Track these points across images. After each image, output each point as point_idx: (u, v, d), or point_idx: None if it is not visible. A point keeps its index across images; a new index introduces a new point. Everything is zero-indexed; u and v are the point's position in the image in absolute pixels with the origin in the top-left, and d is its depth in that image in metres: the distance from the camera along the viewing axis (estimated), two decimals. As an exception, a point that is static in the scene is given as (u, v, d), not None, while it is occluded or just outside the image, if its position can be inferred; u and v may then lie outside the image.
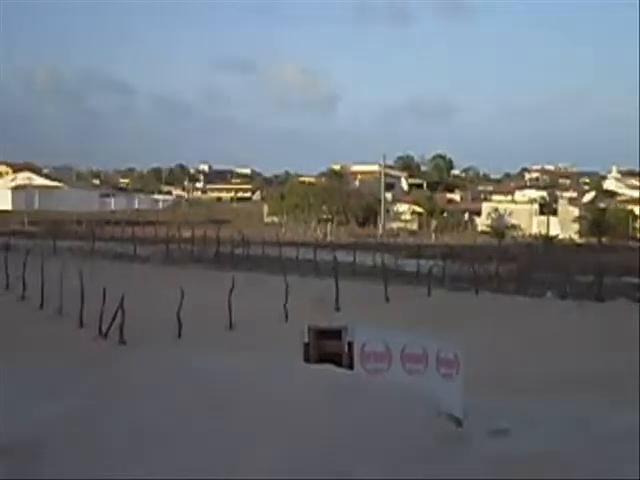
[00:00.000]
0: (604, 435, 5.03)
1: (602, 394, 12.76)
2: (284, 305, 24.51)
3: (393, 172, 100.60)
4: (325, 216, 75.26)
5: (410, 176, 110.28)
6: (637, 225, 67.50)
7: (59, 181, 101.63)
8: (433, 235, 66.00)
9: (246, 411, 4.27)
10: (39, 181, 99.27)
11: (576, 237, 65.81)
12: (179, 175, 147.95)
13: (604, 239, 62.42)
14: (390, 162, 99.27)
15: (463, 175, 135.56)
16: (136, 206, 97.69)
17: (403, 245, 54.10)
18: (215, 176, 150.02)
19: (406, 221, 77.26)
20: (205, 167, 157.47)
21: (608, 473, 4.06)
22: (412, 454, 3.97)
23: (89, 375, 5.29)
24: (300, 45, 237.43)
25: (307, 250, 42.34)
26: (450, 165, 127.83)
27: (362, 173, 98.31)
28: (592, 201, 78.82)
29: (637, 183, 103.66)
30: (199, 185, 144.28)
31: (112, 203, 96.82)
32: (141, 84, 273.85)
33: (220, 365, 4.51)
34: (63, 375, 6.34)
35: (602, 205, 71.97)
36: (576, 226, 67.73)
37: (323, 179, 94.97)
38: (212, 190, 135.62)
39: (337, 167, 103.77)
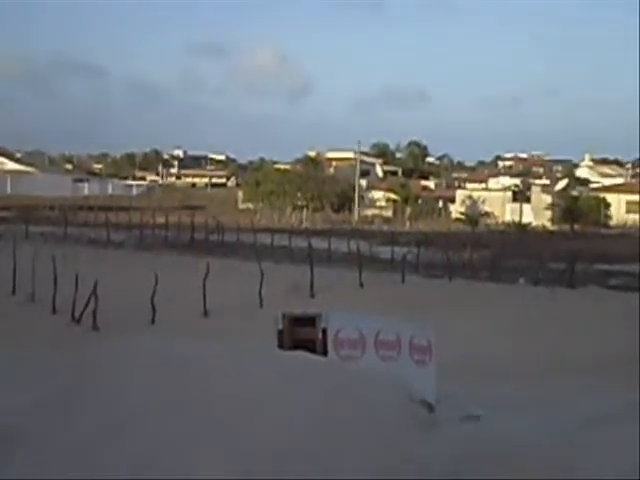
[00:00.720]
0: (574, 421, 5.10)
1: (574, 379, 12.92)
2: (259, 291, 24.51)
3: (368, 159, 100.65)
4: (300, 203, 75.17)
5: (385, 163, 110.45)
6: (609, 212, 68.10)
7: (31, 166, 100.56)
8: (407, 222, 66.18)
9: (219, 396, 4.29)
10: (11, 166, 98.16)
11: (549, 224, 66.28)
12: (153, 161, 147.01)
13: (576, 226, 62.94)
14: (365, 149, 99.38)
15: (438, 162, 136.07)
16: (110, 191, 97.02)
17: (378, 232, 54.22)
18: (189, 162, 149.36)
19: (381, 208, 77.38)
20: (179, 153, 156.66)
21: (576, 459, 4.13)
22: (383, 439, 4.01)
23: (61, 361, 5.28)
24: (275, 31, 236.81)
25: (282, 237, 42.32)
26: (425, 152, 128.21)
27: (337, 160, 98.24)
28: (565, 189, 79.35)
29: (609, 171, 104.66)
30: (173, 171, 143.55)
31: (85, 188, 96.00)
32: (115, 69, 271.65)
33: (193, 351, 4.53)
34: (35, 361, 6.32)
35: (574, 193, 72.47)
36: (549, 213, 68.21)
37: (298, 166, 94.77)
38: (186, 176, 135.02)
39: (312, 154, 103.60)
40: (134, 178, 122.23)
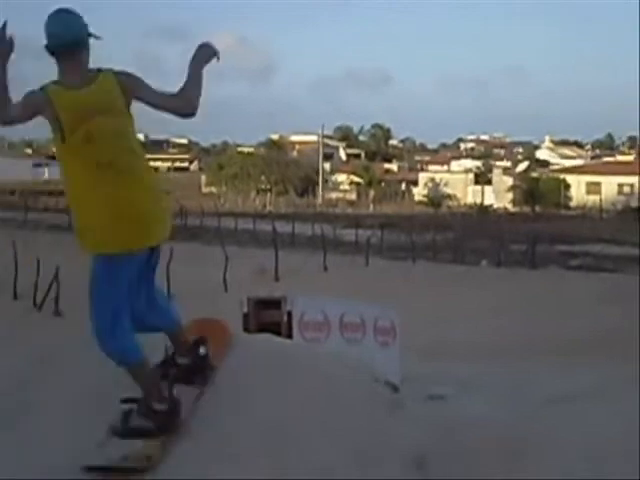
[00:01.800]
0: (539, 399, 5.18)
1: (538, 359, 13.09)
2: (223, 276, 24.47)
3: (331, 142, 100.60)
4: (264, 186, 74.96)
5: (348, 146, 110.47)
6: (569, 194, 68.78)
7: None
8: (371, 205, 66.37)
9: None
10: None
11: (510, 206, 66.85)
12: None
13: (537, 208, 63.56)
14: (328, 132, 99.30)
15: (400, 145, 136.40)
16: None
17: (342, 215, 54.34)
18: (151, 146, 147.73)
19: (344, 191, 77.45)
20: (141, 136, 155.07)
21: (543, 435, 4.20)
22: (348, 418, 4.04)
23: (21, 347, 5.23)
24: (235, 13, 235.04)
25: (246, 220, 42.23)
26: (388, 135, 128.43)
27: (300, 143, 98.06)
28: (525, 171, 80.00)
29: (569, 152, 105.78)
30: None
31: (45, 173, 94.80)
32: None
33: (157, 334, 4.51)
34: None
35: (535, 175, 73.08)
36: (510, 195, 68.76)
37: (262, 149, 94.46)
38: (149, 160, 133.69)
39: (275, 137, 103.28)
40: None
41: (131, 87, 4.16)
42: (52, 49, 4.10)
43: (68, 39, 4.06)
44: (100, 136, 4.04)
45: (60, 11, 4.12)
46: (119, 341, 4.07)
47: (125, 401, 3.98)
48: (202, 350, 4.41)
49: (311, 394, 4.16)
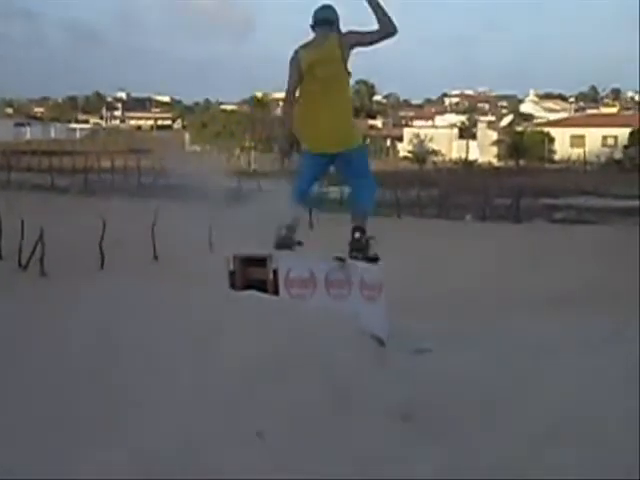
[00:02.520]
0: (523, 352, 5.25)
1: (521, 311, 13.21)
2: (209, 235, 24.42)
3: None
4: (248, 144, 74.52)
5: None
6: (553, 147, 68.81)
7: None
8: (356, 161, 66.14)
9: (174, 333, 4.32)
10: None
11: (495, 161, 66.88)
12: (96, 103, 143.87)
13: (521, 162, 63.62)
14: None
15: (385, 101, 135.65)
16: (52, 136, 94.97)
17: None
18: (133, 104, 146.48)
19: (329, 148, 77.03)
20: (123, 95, 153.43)
21: (528, 387, 4.26)
22: (334, 372, 4.10)
23: (7, 306, 5.24)
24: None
25: (231, 179, 42.03)
26: (372, 91, 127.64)
27: (285, 100, 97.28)
28: (510, 124, 79.89)
29: (553, 105, 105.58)
30: (117, 114, 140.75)
31: (27, 133, 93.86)
32: (48, 10, 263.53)
33: (145, 293, 4.53)
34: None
35: (519, 128, 73.00)
36: (494, 150, 68.75)
37: (245, 107, 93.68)
38: (131, 119, 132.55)
39: (259, 94, 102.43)
40: (77, 122, 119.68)
41: (345, 41, 6.63)
42: (316, 24, 6.73)
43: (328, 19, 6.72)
44: (324, 75, 6.51)
45: (326, 5, 6.82)
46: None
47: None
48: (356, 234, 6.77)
49: (296, 347, 4.21)
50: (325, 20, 6.72)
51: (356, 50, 6.71)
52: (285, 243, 6.62)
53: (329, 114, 6.53)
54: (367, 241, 6.72)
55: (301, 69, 6.69)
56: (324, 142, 6.88)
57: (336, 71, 6.60)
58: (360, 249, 6.49)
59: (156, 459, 3.31)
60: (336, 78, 6.61)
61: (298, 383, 3.94)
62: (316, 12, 6.79)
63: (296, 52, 6.75)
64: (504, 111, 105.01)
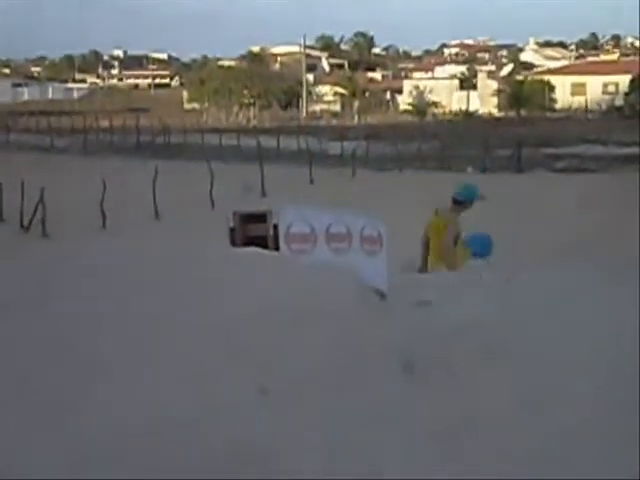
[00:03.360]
0: (525, 303, 5.26)
1: (523, 262, 13.24)
2: (210, 192, 24.41)
3: (314, 53, 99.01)
4: (247, 101, 74.05)
5: (331, 56, 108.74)
6: (554, 96, 68.23)
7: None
8: (356, 116, 65.81)
9: (178, 288, 4.35)
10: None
11: (495, 111, 66.45)
12: (93, 62, 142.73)
13: (522, 111, 63.20)
14: (310, 43, 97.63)
15: (384, 53, 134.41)
16: (50, 96, 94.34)
17: (327, 127, 53.97)
18: (130, 62, 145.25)
19: (329, 103, 76.62)
20: (119, 53, 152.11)
21: (525, 334, 4.29)
22: (336, 324, 4.13)
23: (10, 267, 5.25)
24: None
25: (230, 136, 41.87)
26: (371, 43, 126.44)
27: (282, 55, 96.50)
28: (510, 74, 79.18)
29: (554, 53, 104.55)
30: (114, 72, 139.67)
31: (25, 93, 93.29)
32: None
33: (148, 250, 4.55)
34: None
35: (519, 77, 72.35)
36: (495, 100, 68.24)
37: (243, 62, 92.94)
38: (128, 77, 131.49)
39: (256, 49, 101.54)
40: (74, 81, 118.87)
41: None
42: None
43: None
44: None
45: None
46: None
47: None
48: None
49: (295, 301, 4.23)
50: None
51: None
52: None
53: None
54: None
55: None
56: None
57: None
58: None
59: (158, 410, 3.35)
60: None
61: (298, 338, 3.97)
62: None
63: None
64: (504, 60, 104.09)
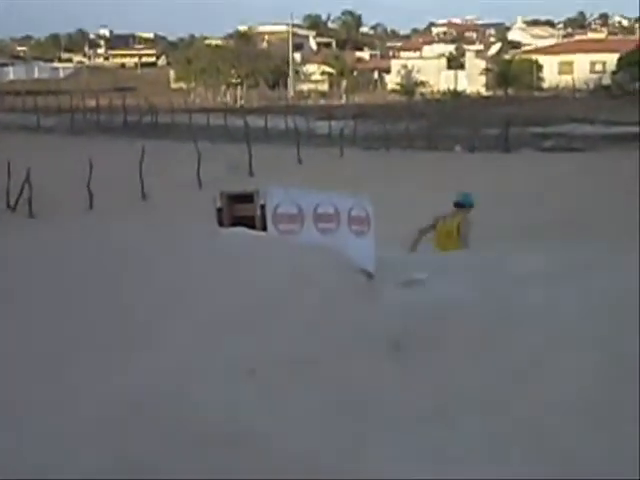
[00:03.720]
0: (512, 282, 5.29)
1: (510, 240, 13.29)
2: (197, 172, 24.34)
3: (301, 32, 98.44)
4: (234, 80, 73.62)
5: (318, 35, 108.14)
6: (541, 75, 68.10)
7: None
8: (344, 95, 65.59)
9: (166, 269, 4.36)
10: None
11: (483, 90, 66.32)
12: (79, 41, 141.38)
13: (510, 91, 63.11)
14: (297, 21, 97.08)
15: (371, 32, 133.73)
16: (36, 75, 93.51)
17: (314, 107, 53.78)
18: (117, 41, 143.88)
19: (316, 82, 76.29)
20: (106, 32, 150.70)
21: (516, 317, 4.32)
22: (320, 305, 4.15)
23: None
24: None
25: (217, 116, 41.70)
26: (358, 22, 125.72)
27: (270, 34, 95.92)
28: (498, 53, 79.00)
29: (541, 32, 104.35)
30: (100, 51, 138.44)
31: (10, 73, 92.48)
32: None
33: (135, 231, 4.54)
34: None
35: (507, 56, 72.16)
36: (483, 79, 68.09)
37: (230, 41, 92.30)
38: (115, 56, 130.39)
39: (244, 28, 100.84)
40: (60, 60, 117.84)
41: None
42: None
43: None
44: None
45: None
46: None
47: None
48: None
49: (283, 282, 4.24)
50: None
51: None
52: None
53: None
54: None
55: None
56: None
57: None
58: None
59: (150, 394, 3.37)
60: None
61: (286, 319, 3.99)
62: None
63: None
64: (492, 39, 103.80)
